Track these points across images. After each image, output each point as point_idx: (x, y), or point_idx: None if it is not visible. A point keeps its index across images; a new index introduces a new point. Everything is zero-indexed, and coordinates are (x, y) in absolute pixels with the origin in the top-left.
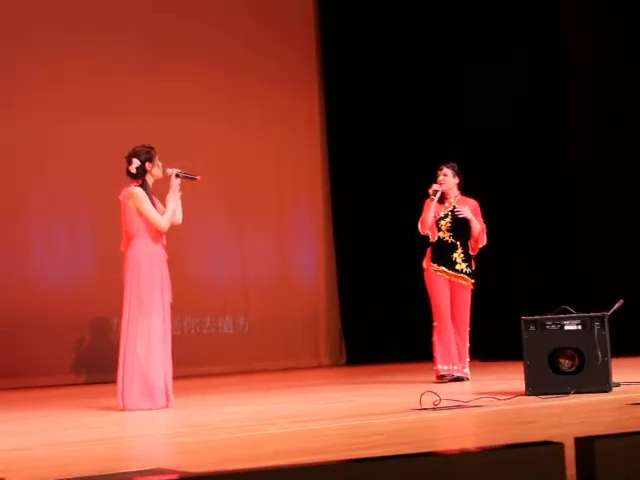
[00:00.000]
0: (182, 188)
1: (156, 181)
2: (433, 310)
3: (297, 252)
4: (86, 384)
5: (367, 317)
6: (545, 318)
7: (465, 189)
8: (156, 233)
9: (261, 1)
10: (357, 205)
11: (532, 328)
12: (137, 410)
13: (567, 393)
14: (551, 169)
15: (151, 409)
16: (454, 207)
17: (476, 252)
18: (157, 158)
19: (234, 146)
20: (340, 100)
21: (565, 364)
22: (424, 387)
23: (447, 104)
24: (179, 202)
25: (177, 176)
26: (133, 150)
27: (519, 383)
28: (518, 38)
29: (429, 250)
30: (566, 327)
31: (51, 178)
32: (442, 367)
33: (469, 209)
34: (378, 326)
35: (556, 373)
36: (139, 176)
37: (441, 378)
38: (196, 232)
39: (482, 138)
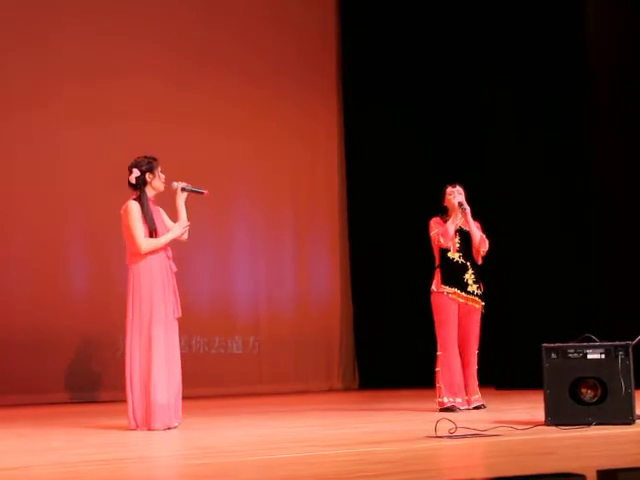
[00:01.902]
0: (189, 203)
1: (161, 194)
2: (439, 338)
3: (311, 272)
4: (79, 403)
5: (382, 340)
6: (567, 346)
7: (484, 209)
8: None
9: (281, 16)
10: (374, 226)
11: (553, 356)
12: (149, 430)
13: (588, 424)
14: (574, 190)
15: (161, 429)
16: (460, 227)
17: (481, 262)
18: (159, 170)
19: (249, 162)
20: (358, 119)
21: (587, 394)
22: (440, 414)
23: (465, 122)
24: (182, 229)
25: (183, 190)
26: (134, 160)
27: (538, 413)
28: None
29: (438, 272)
30: (589, 356)
31: (49, 187)
32: (448, 399)
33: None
34: (393, 350)
35: (577, 403)
36: (138, 187)
37: (447, 410)
38: (206, 248)
39: (500, 158)
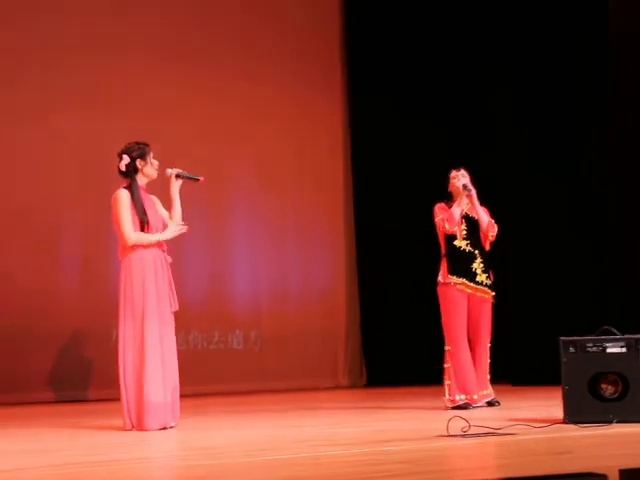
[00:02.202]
0: (185, 191)
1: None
2: (446, 332)
3: (316, 263)
4: (66, 402)
5: (390, 335)
6: (586, 339)
7: (497, 194)
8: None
9: (284, 5)
10: (381, 216)
11: (572, 350)
12: (142, 430)
13: (609, 422)
14: (593, 176)
15: (154, 429)
16: (466, 213)
17: (489, 248)
18: (151, 156)
19: (251, 147)
20: (364, 109)
21: (607, 390)
22: (451, 412)
23: (474, 109)
24: (176, 232)
25: (177, 177)
26: (125, 146)
27: (556, 410)
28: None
29: (444, 261)
30: (609, 350)
31: (35, 175)
32: (459, 396)
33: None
34: (402, 345)
35: (597, 400)
36: (129, 174)
37: (459, 408)
38: (204, 238)
39: (516, 143)
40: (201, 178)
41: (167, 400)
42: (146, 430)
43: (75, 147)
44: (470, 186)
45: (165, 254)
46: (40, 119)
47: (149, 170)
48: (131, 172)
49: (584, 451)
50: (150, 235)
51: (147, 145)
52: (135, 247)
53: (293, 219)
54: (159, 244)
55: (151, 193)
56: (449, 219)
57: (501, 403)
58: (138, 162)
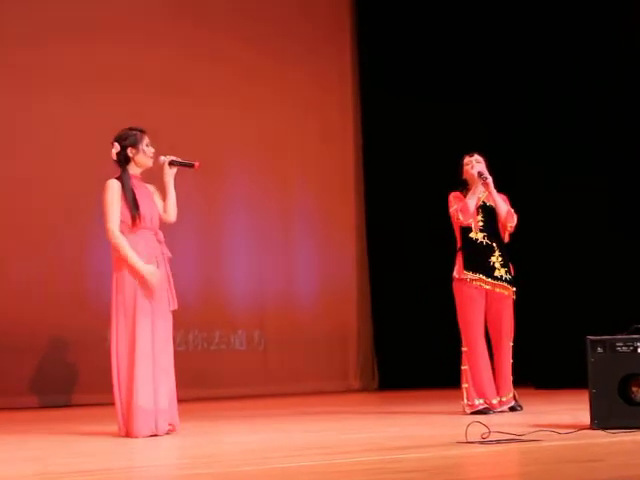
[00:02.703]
0: (189, 183)
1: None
2: (463, 331)
3: (324, 258)
4: (51, 407)
5: (404, 335)
6: (615, 339)
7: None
8: (139, 228)
9: None
10: (394, 213)
11: (600, 350)
12: (133, 437)
13: None
14: (624, 170)
15: (143, 436)
16: (483, 202)
17: (508, 239)
18: (145, 143)
19: (253, 137)
20: (376, 93)
21: (638, 393)
22: (470, 417)
23: (496, 95)
24: (146, 274)
25: (171, 164)
26: (117, 133)
27: (583, 415)
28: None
29: (460, 255)
30: None
31: (21, 166)
32: (478, 401)
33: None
34: (417, 346)
35: (627, 404)
36: (120, 164)
37: (478, 413)
38: (203, 231)
39: (537, 137)
40: (196, 163)
41: (160, 406)
42: (134, 437)
43: (68, 132)
44: (486, 173)
45: (163, 246)
46: (31, 103)
47: (142, 158)
48: (122, 161)
49: (613, 459)
50: (129, 250)
51: (141, 131)
52: (125, 237)
53: (299, 212)
54: (157, 236)
55: (149, 182)
56: (463, 210)
57: (523, 408)
58: (129, 150)
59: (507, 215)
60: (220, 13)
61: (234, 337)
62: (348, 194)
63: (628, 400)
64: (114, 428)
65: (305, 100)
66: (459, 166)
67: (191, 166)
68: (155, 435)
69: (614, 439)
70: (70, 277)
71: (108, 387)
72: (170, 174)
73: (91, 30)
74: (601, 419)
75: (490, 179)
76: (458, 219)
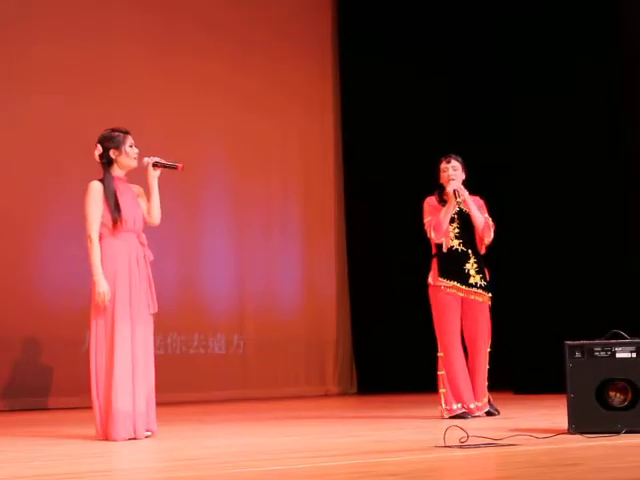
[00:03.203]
0: (165, 184)
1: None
2: (438, 337)
3: (303, 261)
4: (23, 410)
5: (383, 339)
6: (593, 343)
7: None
8: (121, 230)
9: None
10: (374, 219)
11: (578, 355)
12: (112, 440)
13: (618, 432)
14: (608, 166)
15: (121, 440)
16: (460, 209)
17: (484, 252)
18: (128, 144)
19: (238, 136)
20: (356, 76)
21: (616, 398)
22: (448, 422)
23: (483, 80)
24: (101, 288)
25: (155, 166)
26: (100, 135)
27: (561, 419)
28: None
29: (435, 262)
30: (618, 355)
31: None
32: (456, 405)
33: (463, 194)
34: (395, 350)
35: (605, 408)
36: (104, 166)
37: (457, 418)
38: (183, 234)
39: (526, 124)
40: (179, 165)
41: (138, 409)
42: (113, 440)
43: (54, 133)
44: (462, 192)
45: (145, 249)
46: (17, 102)
47: (125, 160)
48: (105, 163)
49: (590, 463)
50: (97, 260)
51: (125, 133)
52: (106, 240)
53: (279, 216)
54: (139, 238)
55: (134, 182)
56: (436, 227)
57: (500, 412)
58: (112, 152)
59: (484, 229)
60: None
61: (213, 341)
62: (328, 199)
63: (606, 405)
64: (91, 431)
65: (288, 90)
66: (435, 168)
67: (175, 168)
68: (134, 439)
69: (591, 443)
70: (45, 279)
71: (84, 390)
72: (154, 176)
73: (77, 26)
74: (579, 424)
75: (466, 194)
76: (429, 235)
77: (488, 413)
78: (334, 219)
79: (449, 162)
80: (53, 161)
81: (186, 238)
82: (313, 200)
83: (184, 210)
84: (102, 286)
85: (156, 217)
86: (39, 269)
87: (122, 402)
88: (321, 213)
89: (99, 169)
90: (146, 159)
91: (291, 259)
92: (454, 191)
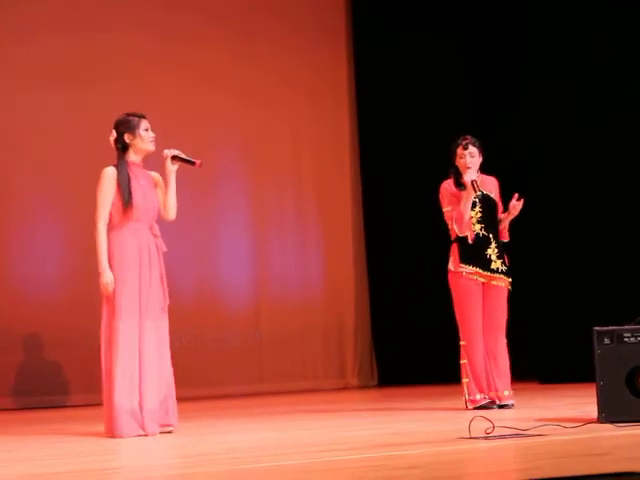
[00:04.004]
0: (179, 178)
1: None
2: (460, 325)
3: (320, 252)
4: (34, 408)
5: (403, 330)
6: (623, 329)
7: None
8: (131, 219)
9: None
10: (391, 207)
11: (607, 341)
12: (115, 437)
13: None
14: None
15: (125, 437)
16: (481, 192)
17: (508, 239)
18: (143, 128)
19: (245, 129)
20: (371, 67)
21: None
22: (473, 413)
23: (497, 67)
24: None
25: (174, 159)
26: (115, 120)
27: (590, 408)
28: None
29: (455, 247)
30: None
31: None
32: (480, 395)
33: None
34: (416, 341)
35: (636, 396)
36: (119, 151)
37: (481, 408)
38: (194, 224)
39: (541, 109)
40: (198, 162)
41: (148, 406)
42: (116, 437)
43: (59, 123)
44: (476, 185)
45: (158, 240)
46: (16, 97)
47: (140, 144)
48: (120, 148)
49: (621, 453)
50: (104, 248)
51: (140, 117)
52: (115, 228)
53: (294, 206)
54: (152, 230)
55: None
56: (458, 221)
57: (515, 405)
58: (126, 137)
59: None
60: None
61: (228, 335)
62: (344, 187)
63: (636, 392)
64: (99, 429)
65: (299, 83)
66: (450, 150)
67: (193, 163)
68: (144, 435)
69: (621, 432)
70: (55, 274)
71: (95, 387)
72: (172, 170)
73: (77, 17)
74: (608, 412)
75: (477, 188)
76: (452, 229)
77: (504, 406)
78: (351, 207)
79: (466, 148)
80: (55, 155)
81: (200, 231)
82: (329, 189)
83: (198, 203)
84: (106, 277)
85: (172, 212)
86: (46, 265)
87: (123, 398)
88: (337, 202)
89: (103, 160)
90: (166, 151)
91: (307, 249)
92: (472, 182)
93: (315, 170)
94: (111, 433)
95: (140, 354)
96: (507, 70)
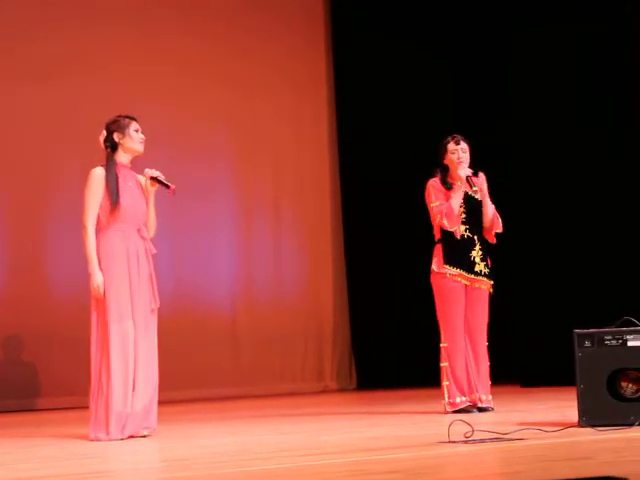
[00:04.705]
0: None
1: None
2: (442, 326)
3: (298, 253)
4: (16, 412)
5: (381, 334)
6: (604, 332)
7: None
8: (118, 221)
9: None
10: (370, 208)
11: (587, 344)
12: (109, 440)
13: (630, 424)
14: (619, 145)
15: (120, 438)
16: (465, 193)
17: (494, 241)
18: (133, 129)
19: (230, 119)
20: (350, 58)
21: (628, 389)
22: (452, 416)
23: (484, 60)
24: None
25: (152, 180)
26: (106, 121)
27: (571, 412)
28: None
29: (440, 248)
30: (630, 343)
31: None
32: (460, 399)
33: (481, 186)
34: (395, 344)
35: (617, 400)
36: (108, 151)
37: (461, 412)
38: (172, 226)
39: (529, 105)
40: (172, 187)
41: (136, 408)
42: (108, 440)
43: (42, 123)
44: (479, 182)
45: (147, 243)
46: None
47: (129, 143)
48: (109, 147)
49: (601, 456)
50: (93, 252)
51: (130, 118)
52: (103, 230)
53: (273, 206)
54: (140, 233)
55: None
56: (448, 214)
57: (494, 409)
58: (115, 136)
59: (494, 219)
60: None
61: (207, 337)
62: (323, 192)
63: (617, 396)
64: (83, 431)
65: (279, 73)
66: (435, 148)
67: (168, 187)
68: (130, 437)
69: (602, 436)
70: (32, 275)
71: (74, 390)
72: (151, 190)
73: (67, 12)
74: (589, 416)
75: (484, 186)
76: (441, 224)
77: (482, 409)
78: (330, 209)
79: (458, 143)
80: (48, 153)
81: (179, 233)
82: (308, 190)
83: (176, 205)
84: (97, 278)
85: (151, 231)
86: (32, 265)
87: (120, 402)
88: (316, 205)
89: (93, 158)
90: (147, 170)
91: (286, 251)
92: (467, 178)
93: (294, 174)
94: (104, 435)
95: (136, 358)
96: (493, 69)
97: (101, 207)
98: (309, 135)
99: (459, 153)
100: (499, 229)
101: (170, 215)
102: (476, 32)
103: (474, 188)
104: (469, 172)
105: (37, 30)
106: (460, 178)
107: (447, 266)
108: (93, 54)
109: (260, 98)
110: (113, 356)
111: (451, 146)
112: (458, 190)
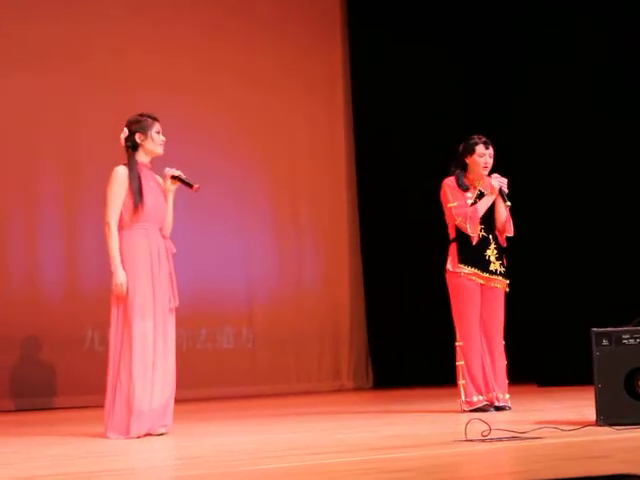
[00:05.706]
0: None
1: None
2: (458, 325)
3: (314, 252)
4: (32, 410)
5: (398, 333)
6: (622, 330)
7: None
8: (141, 219)
9: None
10: (387, 206)
11: (605, 343)
12: (122, 439)
13: None
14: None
15: (140, 436)
16: (481, 192)
17: (506, 244)
18: (154, 130)
19: (243, 117)
20: (368, 61)
21: None
22: (469, 415)
23: (496, 60)
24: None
25: (173, 179)
26: (128, 119)
27: (589, 411)
28: None
29: (454, 247)
30: None
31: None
32: (477, 397)
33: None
34: (411, 343)
35: (634, 399)
36: (129, 150)
37: (478, 411)
38: (188, 224)
39: (539, 114)
40: (196, 185)
41: (155, 405)
42: (128, 438)
43: (43, 115)
44: (504, 188)
45: (167, 242)
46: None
47: (150, 145)
48: (130, 147)
49: (619, 455)
50: (116, 247)
51: (153, 118)
52: (125, 228)
53: (289, 205)
54: (161, 230)
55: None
56: (472, 220)
57: (511, 408)
58: (137, 136)
59: (506, 222)
60: None
61: (221, 335)
62: (339, 187)
63: (635, 395)
64: (99, 430)
65: (294, 73)
66: (465, 147)
67: (191, 186)
68: (147, 435)
69: (620, 435)
70: (49, 274)
71: (90, 389)
72: (171, 189)
73: (70, 3)
74: (607, 415)
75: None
76: (464, 228)
77: (499, 408)
78: (346, 208)
79: (487, 148)
80: (46, 147)
81: (194, 232)
82: (324, 189)
83: (191, 204)
84: (120, 277)
85: (167, 231)
86: (42, 267)
87: (140, 400)
88: (332, 202)
89: (99, 155)
90: (167, 169)
91: (302, 249)
92: (500, 190)
93: (310, 170)
94: (123, 434)
95: (155, 356)
96: (505, 69)
97: (124, 205)
98: (325, 135)
99: (486, 158)
100: (510, 233)
101: (187, 215)
102: (493, 31)
103: (507, 204)
104: (504, 184)
105: (43, 15)
106: (492, 188)
107: (462, 265)
108: (105, 44)
109: (276, 97)
110: (136, 354)
111: (480, 149)
112: (489, 197)
